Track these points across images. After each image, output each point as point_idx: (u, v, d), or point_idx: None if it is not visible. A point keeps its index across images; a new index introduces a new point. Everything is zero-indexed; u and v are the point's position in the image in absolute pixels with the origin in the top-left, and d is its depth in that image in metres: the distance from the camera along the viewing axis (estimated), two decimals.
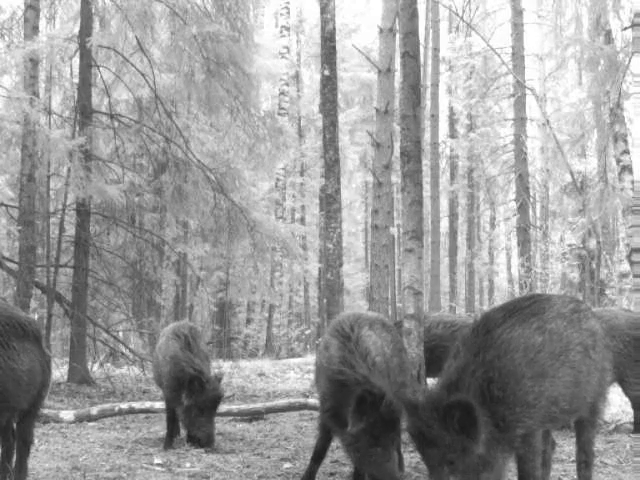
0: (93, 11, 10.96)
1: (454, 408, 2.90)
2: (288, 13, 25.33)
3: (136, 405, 7.94)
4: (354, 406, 3.72)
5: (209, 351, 7.64)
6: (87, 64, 10.91)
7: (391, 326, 4.88)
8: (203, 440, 5.65)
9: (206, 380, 5.65)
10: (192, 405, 5.62)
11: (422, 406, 3.01)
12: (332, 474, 4.82)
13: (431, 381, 5.90)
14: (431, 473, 3.01)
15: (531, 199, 19.67)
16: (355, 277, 25.67)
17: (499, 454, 3.06)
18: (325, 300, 9.47)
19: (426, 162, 19.05)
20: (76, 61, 11.44)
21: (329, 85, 9.53)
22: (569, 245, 21.24)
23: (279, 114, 22.13)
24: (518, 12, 18.71)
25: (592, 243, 20.74)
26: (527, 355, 3.15)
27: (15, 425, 4.07)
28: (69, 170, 9.67)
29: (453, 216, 26.00)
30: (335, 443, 5.02)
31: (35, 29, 10.55)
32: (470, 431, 2.89)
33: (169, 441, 5.95)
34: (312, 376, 12.55)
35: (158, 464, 5.13)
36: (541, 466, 3.76)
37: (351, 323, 4.36)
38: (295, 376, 13.71)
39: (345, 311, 8.75)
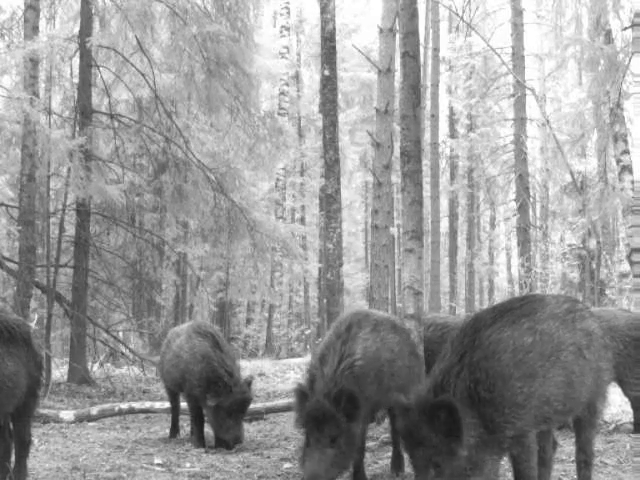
0: (93, 11, 10.95)
1: (438, 409, 2.91)
2: (288, 13, 25.31)
3: (136, 405, 7.94)
4: (295, 399, 4.02)
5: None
6: (87, 64, 10.91)
7: (403, 327, 4.86)
8: (231, 443, 5.65)
9: (234, 383, 5.67)
10: (219, 407, 5.63)
11: (410, 407, 3.02)
12: None
13: None
14: (417, 475, 3.01)
15: (531, 199, 19.66)
16: (355, 277, 25.67)
17: (487, 457, 3.04)
18: (325, 300, 9.46)
19: (426, 162, 19.03)
20: (76, 61, 11.44)
21: (329, 85, 9.51)
22: (569, 245, 21.24)
23: (279, 114, 22.12)
24: (518, 12, 18.70)
25: (592, 243, 20.74)
26: (516, 356, 3.14)
27: (12, 426, 4.07)
28: (69, 170, 9.67)
29: (453, 216, 25.98)
30: None
31: (35, 29, 10.54)
32: (454, 433, 2.89)
33: (198, 439, 5.99)
34: None
35: (158, 464, 5.13)
36: (541, 466, 3.76)
37: (351, 322, 4.39)
38: (295, 376, 13.70)
39: (360, 309, 8.70)
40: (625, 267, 15.40)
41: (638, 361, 5.94)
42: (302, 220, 25.73)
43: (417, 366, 4.84)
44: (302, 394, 3.99)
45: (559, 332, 3.34)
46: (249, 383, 5.86)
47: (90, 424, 7.30)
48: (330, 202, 9.21)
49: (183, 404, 6.64)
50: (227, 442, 5.68)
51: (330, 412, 3.81)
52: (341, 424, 3.83)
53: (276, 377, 13.51)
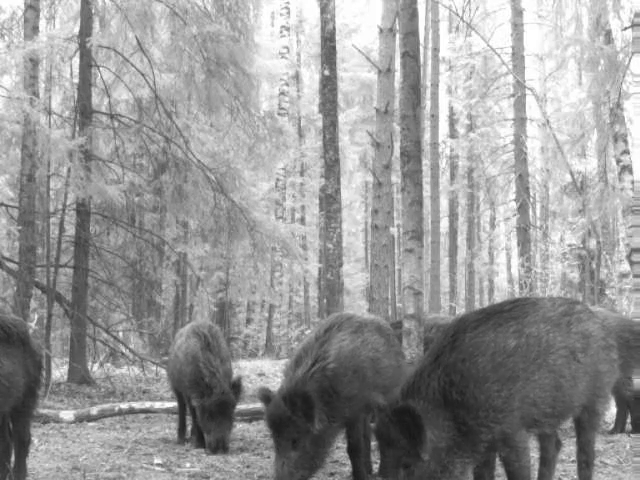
0: (93, 11, 10.95)
1: (402, 414, 2.92)
2: (288, 13, 25.29)
3: (136, 405, 7.94)
4: (261, 403, 4.04)
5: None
6: (87, 64, 10.91)
7: (388, 329, 4.85)
8: (212, 445, 5.59)
9: (215, 384, 5.59)
10: (202, 409, 5.60)
11: (383, 408, 3.05)
12: (332, 474, 4.82)
13: None
14: (388, 475, 3.03)
15: (531, 199, 19.66)
16: (355, 277, 25.63)
17: (458, 459, 3.05)
18: (325, 300, 9.46)
19: (426, 162, 19.04)
20: (76, 61, 11.43)
21: (329, 85, 9.52)
22: (569, 245, 21.22)
23: (279, 114, 22.11)
24: (518, 12, 18.71)
25: (592, 243, 20.74)
26: (494, 359, 3.13)
27: (12, 426, 4.07)
28: (69, 170, 9.67)
29: (453, 216, 25.98)
30: (335, 443, 5.01)
31: (35, 29, 10.54)
32: (417, 437, 2.91)
33: (198, 439, 5.97)
34: None
35: (158, 464, 5.13)
36: (543, 466, 3.76)
37: (331, 324, 4.39)
38: None
39: (344, 311, 8.71)
40: (625, 267, 15.36)
41: (629, 362, 5.96)
42: (302, 220, 25.72)
43: (403, 366, 4.83)
44: (266, 397, 3.99)
45: (549, 335, 3.32)
46: (235, 385, 5.74)
47: (90, 424, 7.30)
48: (330, 202, 9.22)
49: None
50: (210, 444, 5.59)
51: (286, 415, 3.76)
52: (300, 426, 3.78)
53: (276, 377, 13.50)
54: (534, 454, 3.81)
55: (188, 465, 5.10)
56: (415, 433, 2.91)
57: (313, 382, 3.99)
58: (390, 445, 2.98)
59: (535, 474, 3.70)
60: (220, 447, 5.58)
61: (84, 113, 10.78)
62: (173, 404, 7.42)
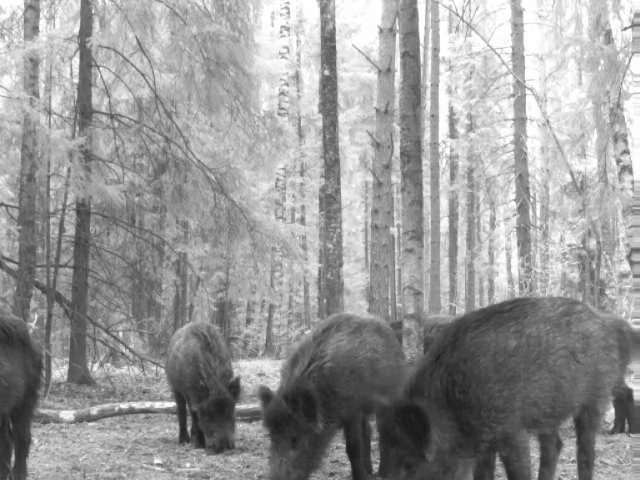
0: (93, 11, 10.96)
1: (408, 412, 2.92)
2: (288, 13, 25.30)
3: (136, 405, 7.94)
4: (260, 401, 4.05)
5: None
6: (87, 64, 10.92)
7: (388, 329, 4.85)
8: (216, 446, 5.55)
9: (211, 385, 5.57)
10: (201, 411, 5.59)
11: (388, 407, 3.04)
12: (332, 474, 4.82)
13: None
14: (389, 473, 3.02)
15: (531, 199, 19.66)
16: (355, 277, 25.63)
17: (460, 460, 3.04)
18: (325, 300, 9.45)
19: (426, 162, 19.04)
20: (76, 61, 11.44)
21: (329, 85, 9.51)
22: (569, 245, 21.21)
23: (279, 114, 22.11)
24: (518, 12, 18.71)
25: (592, 243, 20.73)
26: (496, 359, 3.12)
27: (12, 426, 4.07)
28: (69, 170, 9.67)
29: (453, 216, 25.98)
30: (335, 443, 5.01)
31: (35, 29, 10.53)
32: (423, 437, 2.91)
33: (198, 439, 5.95)
34: None
35: (158, 464, 5.13)
36: (544, 466, 3.76)
37: (330, 325, 4.39)
38: None
39: (344, 311, 8.73)
40: (625, 267, 15.35)
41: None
42: (302, 220, 25.72)
43: (402, 366, 4.81)
44: (265, 395, 3.99)
45: (549, 336, 3.31)
46: (233, 385, 5.71)
47: (90, 424, 7.30)
48: (330, 202, 9.21)
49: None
50: (214, 446, 5.56)
51: (287, 413, 3.77)
52: (301, 424, 3.78)
53: (276, 377, 13.50)
54: (534, 454, 3.81)
55: (188, 465, 5.10)
56: (420, 433, 2.90)
57: (311, 381, 3.99)
58: (393, 444, 2.97)
59: (535, 474, 3.70)
60: (225, 447, 5.56)
61: (84, 113, 10.78)
62: (173, 404, 7.41)
